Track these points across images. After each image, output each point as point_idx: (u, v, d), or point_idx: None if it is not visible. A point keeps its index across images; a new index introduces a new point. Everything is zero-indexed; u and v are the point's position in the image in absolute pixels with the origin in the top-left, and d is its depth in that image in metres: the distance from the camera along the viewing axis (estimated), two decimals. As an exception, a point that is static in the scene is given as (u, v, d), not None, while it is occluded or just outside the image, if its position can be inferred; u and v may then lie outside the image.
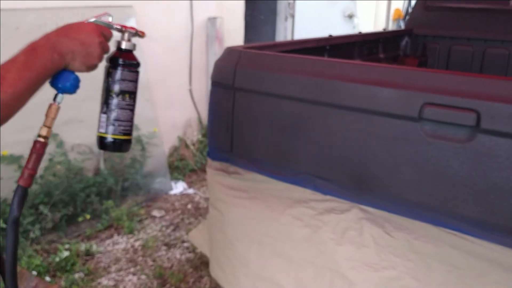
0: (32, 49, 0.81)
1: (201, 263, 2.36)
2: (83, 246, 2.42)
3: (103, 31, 0.93)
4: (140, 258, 2.41)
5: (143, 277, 2.25)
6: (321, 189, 1.33)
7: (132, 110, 0.99)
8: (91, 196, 2.70)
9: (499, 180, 1.03)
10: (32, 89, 0.79)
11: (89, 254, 2.40)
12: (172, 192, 3.16)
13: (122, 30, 0.99)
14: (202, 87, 3.75)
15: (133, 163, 3.04)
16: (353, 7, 5.88)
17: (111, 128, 0.97)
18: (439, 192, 1.12)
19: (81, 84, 0.91)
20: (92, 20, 0.95)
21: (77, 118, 2.63)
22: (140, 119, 3.13)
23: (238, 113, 1.44)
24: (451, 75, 1.12)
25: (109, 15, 0.98)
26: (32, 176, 0.86)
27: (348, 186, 1.29)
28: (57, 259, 2.25)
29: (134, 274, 2.28)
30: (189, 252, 2.47)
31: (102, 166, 2.95)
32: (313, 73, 1.30)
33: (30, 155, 0.87)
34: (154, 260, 2.39)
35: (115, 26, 0.97)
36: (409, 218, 1.19)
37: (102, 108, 0.98)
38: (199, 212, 2.94)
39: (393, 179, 1.19)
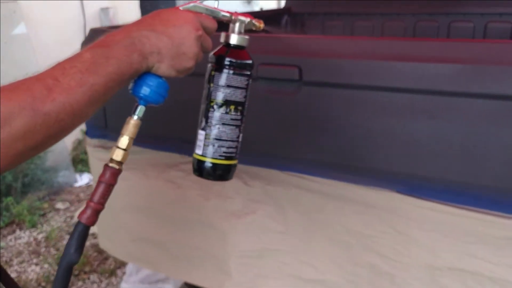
0: (104, 45, 0.60)
1: (106, 246, 2.42)
2: (-18, 244, 2.40)
3: (203, 21, 0.70)
4: (43, 249, 2.43)
5: (45, 266, 2.28)
6: (188, 152, 1.46)
7: (238, 126, 0.79)
8: (-12, 194, 2.66)
9: (324, 123, 1.22)
10: (96, 99, 0.58)
11: (-11, 251, 2.38)
12: (77, 184, 3.16)
13: (232, 18, 0.76)
14: (101, 78, 3.76)
15: (33, 159, 3.00)
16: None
17: (210, 149, 0.78)
18: (281, 140, 1.30)
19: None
20: (190, 5, 0.72)
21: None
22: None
23: (108, 91, 1.53)
24: (278, 38, 1.29)
25: None
26: (97, 212, 0.66)
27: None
28: (-46, 259, 2.22)
29: (37, 264, 2.30)
30: (94, 238, 2.52)
31: (-2, 164, 2.89)
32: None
33: (97, 184, 0.67)
34: (57, 249, 2.42)
35: (222, 14, 0.75)
36: (261, 167, 1.35)
37: (200, 122, 0.79)
38: (105, 200, 2.98)
39: (244, 134, 1.35)
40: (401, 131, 1.12)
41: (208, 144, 0.78)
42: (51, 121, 0.53)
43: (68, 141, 3.39)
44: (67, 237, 2.53)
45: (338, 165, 1.23)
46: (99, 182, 0.67)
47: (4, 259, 2.34)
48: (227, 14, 0.75)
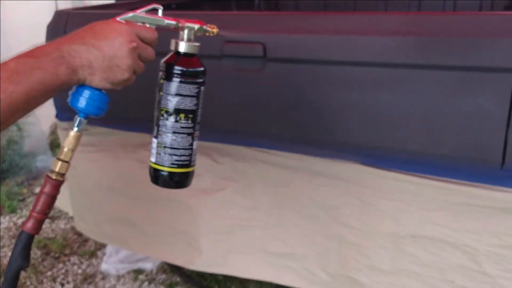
0: (31, 56, 0.61)
1: (86, 229, 2.43)
2: (-40, 231, 2.39)
3: (139, 32, 0.69)
4: (23, 234, 2.43)
5: (25, 250, 2.28)
6: (158, 132, 1.47)
7: (191, 134, 0.78)
8: (-36, 181, 2.64)
9: (288, 98, 1.22)
10: (16, 107, 0.58)
11: (-32, 237, 2.37)
12: (56, 168, 3.14)
13: (178, 26, 0.74)
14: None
15: (10, 144, 2.98)
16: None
17: (162, 157, 0.77)
18: (247, 117, 1.30)
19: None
20: (129, 15, 0.70)
21: None
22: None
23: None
24: (242, 15, 1.28)
25: (158, 7, 0.74)
26: (40, 221, 0.71)
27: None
28: None
29: (16, 249, 2.30)
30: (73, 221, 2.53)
31: (-26, 151, 2.86)
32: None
33: (39, 195, 0.70)
34: (38, 234, 2.42)
35: (166, 22, 0.73)
36: (230, 144, 1.36)
37: (153, 130, 0.78)
38: (85, 183, 2.97)
39: (213, 112, 1.35)
40: (364, 105, 1.14)
41: (160, 152, 0.77)
42: None
43: (45, 126, 3.35)
44: (47, 221, 2.52)
45: (304, 140, 1.24)
46: (41, 193, 0.70)
47: (-17, 245, 2.34)
48: (173, 22, 0.74)
